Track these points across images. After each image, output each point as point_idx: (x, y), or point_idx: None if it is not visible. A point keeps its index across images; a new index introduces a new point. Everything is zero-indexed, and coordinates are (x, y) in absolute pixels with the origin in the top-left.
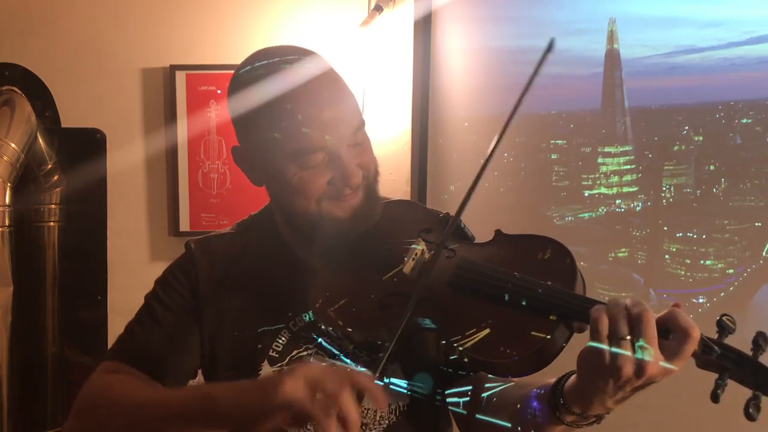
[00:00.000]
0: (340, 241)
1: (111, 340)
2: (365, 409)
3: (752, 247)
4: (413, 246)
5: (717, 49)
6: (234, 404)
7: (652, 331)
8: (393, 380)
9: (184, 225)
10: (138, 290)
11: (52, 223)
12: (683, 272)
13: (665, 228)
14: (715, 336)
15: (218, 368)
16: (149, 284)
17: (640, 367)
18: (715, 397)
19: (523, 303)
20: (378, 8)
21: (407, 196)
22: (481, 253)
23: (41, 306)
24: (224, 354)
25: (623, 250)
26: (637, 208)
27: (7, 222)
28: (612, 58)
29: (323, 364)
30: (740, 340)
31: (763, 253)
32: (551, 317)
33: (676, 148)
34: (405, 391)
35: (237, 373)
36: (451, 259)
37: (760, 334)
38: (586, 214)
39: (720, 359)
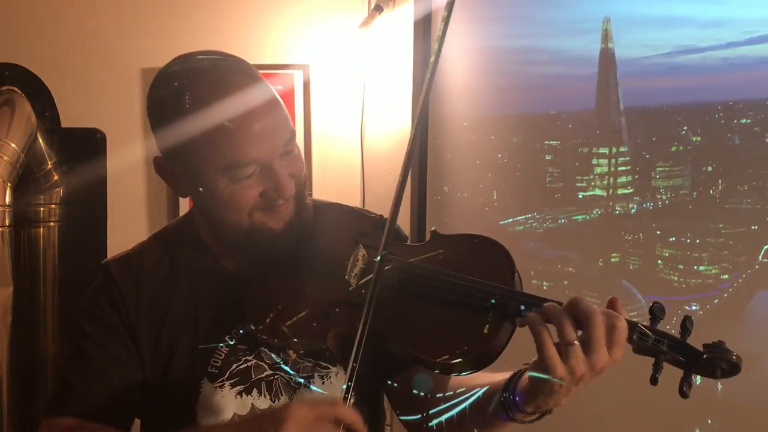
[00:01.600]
0: (274, 251)
1: None
2: None
3: (747, 252)
4: (355, 252)
5: (717, 49)
6: None
7: (600, 330)
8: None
9: None
10: None
11: (52, 223)
12: (676, 278)
13: (658, 232)
14: (649, 323)
15: (158, 391)
16: None
17: (592, 365)
18: (654, 380)
19: (465, 301)
20: (378, 8)
21: (407, 197)
22: (420, 254)
23: (41, 306)
24: (163, 376)
25: (615, 255)
26: (632, 211)
27: (7, 222)
28: (606, 57)
29: (306, 405)
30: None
31: (759, 258)
32: (493, 314)
33: (674, 149)
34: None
35: (177, 394)
36: (392, 262)
37: (686, 318)
38: (580, 216)
39: (655, 344)
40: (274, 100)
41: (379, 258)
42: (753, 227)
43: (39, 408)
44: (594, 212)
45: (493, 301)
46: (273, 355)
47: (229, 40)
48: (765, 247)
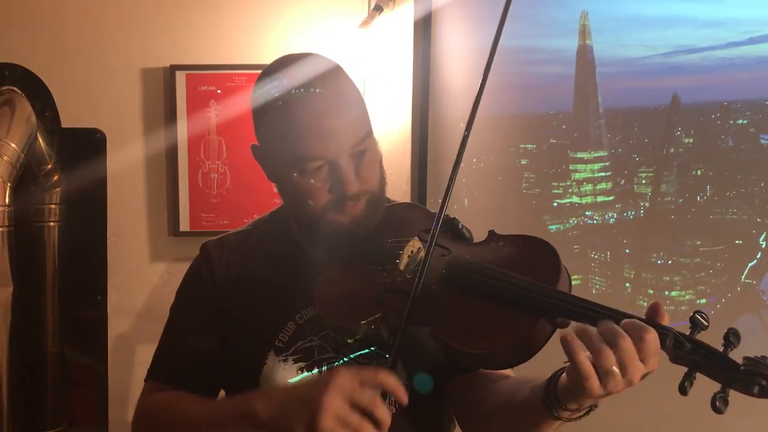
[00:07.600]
0: (340, 242)
1: (111, 340)
2: None
3: (729, 272)
4: (410, 243)
5: (716, 49)
6: (277, 417)
7: (631, 351)
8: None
9: (184, 225)
10: (138, 290)
11: (52, 223)
12: (645, 304)
13: (627, 251)
14: (688, 332)
15: (231, 359)
16: (149, 284)
17: (629, 380)
18: (682, 390)
19: (509, 299)
20: (378, 8)
21: (407, 196)
22: (474, 251)
23: (41, 306)
24: (233, 345)
25: (577, 277)
26: (611, 220)
27: (7, 222)
28: (584, 55)
29: (351, 370)
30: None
31: (742, 278)
32: (534, 313)
33: (664, 151)
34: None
35: (245, 362)
36: (444, 257)
37: (731, 331)
38: (554, 227)
39: (691, 354)
40: (351, 99)
41: (425, 249)
42: (737, 242)
43: (39, 408)
44: (570, 221)
45: (535, 299)
46: (338, 338)
47: (229, 40)
48: (749, 265)
